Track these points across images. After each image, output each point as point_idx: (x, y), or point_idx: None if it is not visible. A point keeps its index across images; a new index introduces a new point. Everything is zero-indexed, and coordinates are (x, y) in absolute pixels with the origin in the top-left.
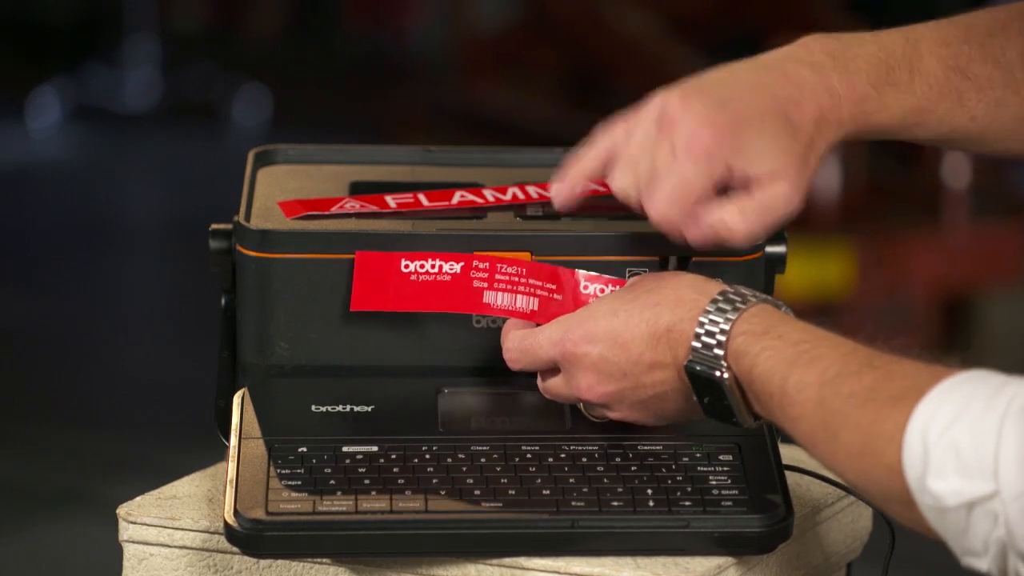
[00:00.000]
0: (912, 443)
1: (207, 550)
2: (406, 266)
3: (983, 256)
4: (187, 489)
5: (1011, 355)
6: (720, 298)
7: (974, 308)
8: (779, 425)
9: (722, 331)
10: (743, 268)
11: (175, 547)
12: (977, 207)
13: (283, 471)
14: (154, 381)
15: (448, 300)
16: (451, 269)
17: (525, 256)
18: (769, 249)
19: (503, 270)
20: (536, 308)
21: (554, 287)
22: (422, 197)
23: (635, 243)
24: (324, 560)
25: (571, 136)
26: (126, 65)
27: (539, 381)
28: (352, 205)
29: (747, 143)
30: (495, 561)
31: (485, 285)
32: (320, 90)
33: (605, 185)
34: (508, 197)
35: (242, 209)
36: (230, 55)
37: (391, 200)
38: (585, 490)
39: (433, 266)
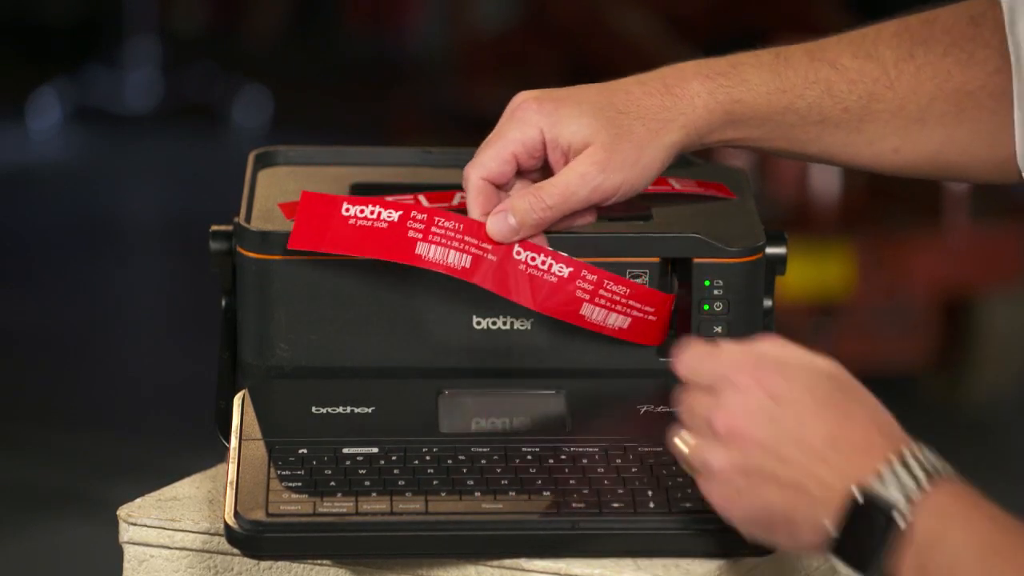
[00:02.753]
0: None
1: (207, 551)
2: (347, 210)
3: (983, 258)
4: (187, 490)
5: (1011, 357)
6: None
7: (974, 310)
8: None
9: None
10: (744, 269)
11: (175, 548)
12: (977, 208)
13: (283, 472)
14: (154, 382)
15: (382, 247)
16: (389, 217)
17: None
18: (769, 250)
19: (440, 223)
20: (468, 266)
21: (489, 247)
22: (422, 198)
23: (635, 244)
24: (324, 562)
25: None
26: (126, 66)
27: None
28: None
29: (564, 113)
30: (495, 563)
31: (420, 236)
32: (320, 91)
33: None
34: None
35: (242, 210)
36: (230, 56)
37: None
38: (585, 491)
39: (372, 212)
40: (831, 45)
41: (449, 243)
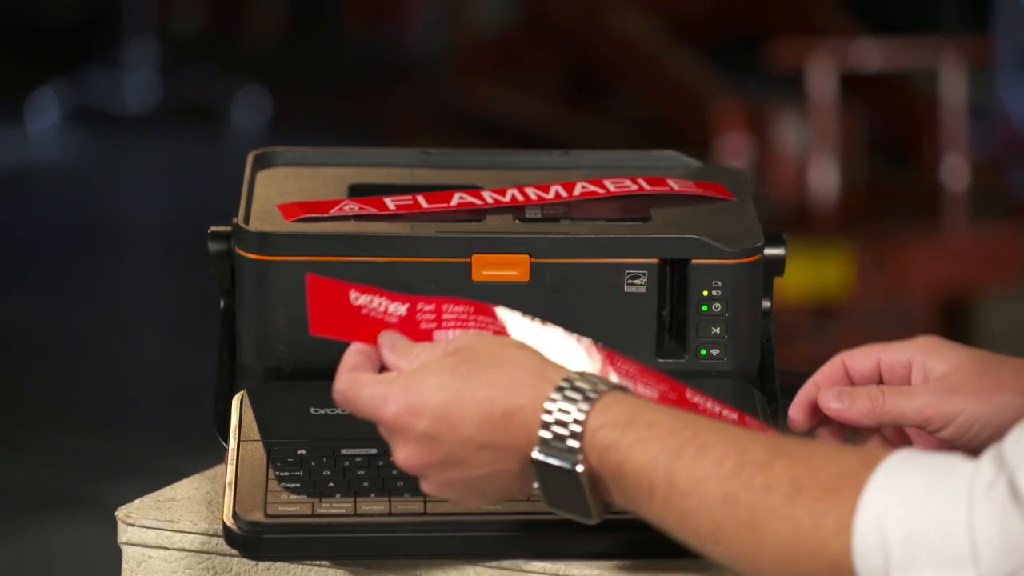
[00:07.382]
0: (866, 537)
1: (206, 552)
2: (355, 299)
3: (982, 258)
4: (186, 491)
5: None
6: (566, 385)
7: (973, 310)
8: (655, 517)
9: (576, 421)
10: (743, 270)
11: (174, 549)
12: (976, 209)
13: (282, 473)
14: (153, 383)
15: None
16: (396, 311)
17: (524, 259)
18: (768, 251)
19: (450, 310)
20: None
21: (502, 326)
22: (421, 199)
23: (633, 246)
24: (323, 563)
25: (570, 139)
26: (125, 67)
27: None
28: (351, 207)
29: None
30: (494, 563)
31: (434, 325)
32: (319, 92)
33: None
34: (507, 199)
35: (241, 211)
36: (229, 57)
37: (390, 202)
38: None
39: (380, 305)
40: None
41: (465, 325)
